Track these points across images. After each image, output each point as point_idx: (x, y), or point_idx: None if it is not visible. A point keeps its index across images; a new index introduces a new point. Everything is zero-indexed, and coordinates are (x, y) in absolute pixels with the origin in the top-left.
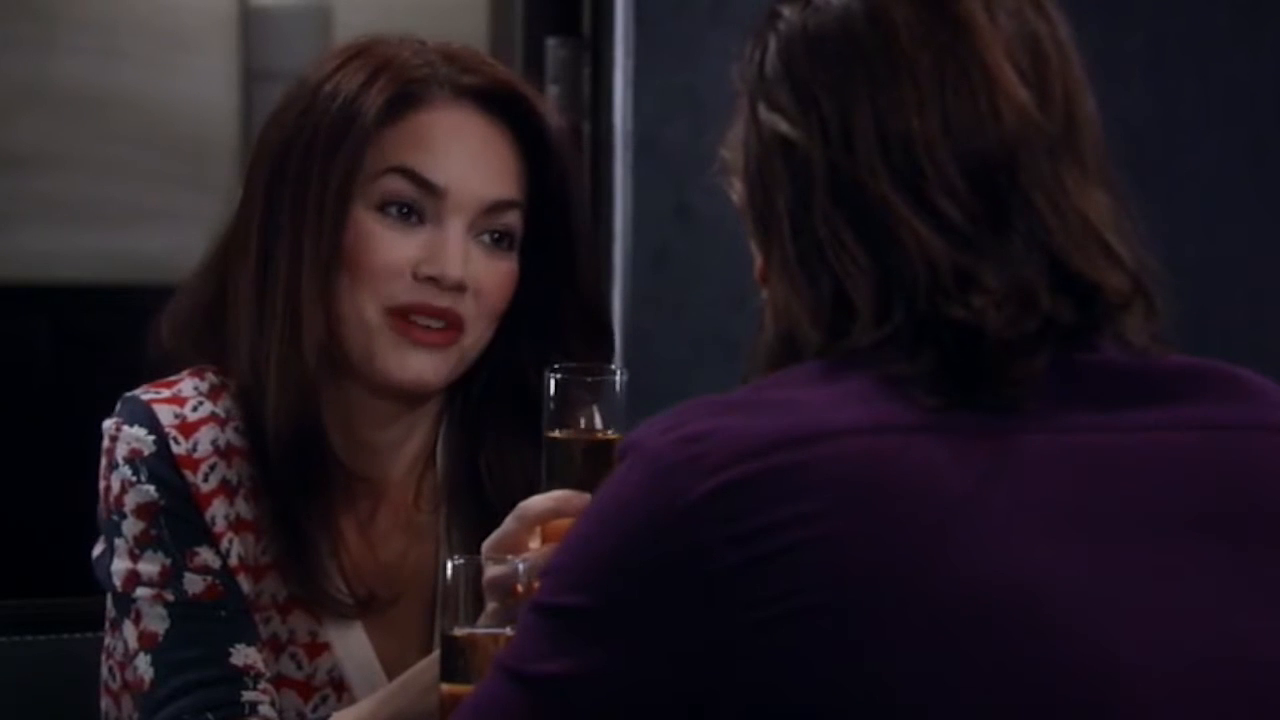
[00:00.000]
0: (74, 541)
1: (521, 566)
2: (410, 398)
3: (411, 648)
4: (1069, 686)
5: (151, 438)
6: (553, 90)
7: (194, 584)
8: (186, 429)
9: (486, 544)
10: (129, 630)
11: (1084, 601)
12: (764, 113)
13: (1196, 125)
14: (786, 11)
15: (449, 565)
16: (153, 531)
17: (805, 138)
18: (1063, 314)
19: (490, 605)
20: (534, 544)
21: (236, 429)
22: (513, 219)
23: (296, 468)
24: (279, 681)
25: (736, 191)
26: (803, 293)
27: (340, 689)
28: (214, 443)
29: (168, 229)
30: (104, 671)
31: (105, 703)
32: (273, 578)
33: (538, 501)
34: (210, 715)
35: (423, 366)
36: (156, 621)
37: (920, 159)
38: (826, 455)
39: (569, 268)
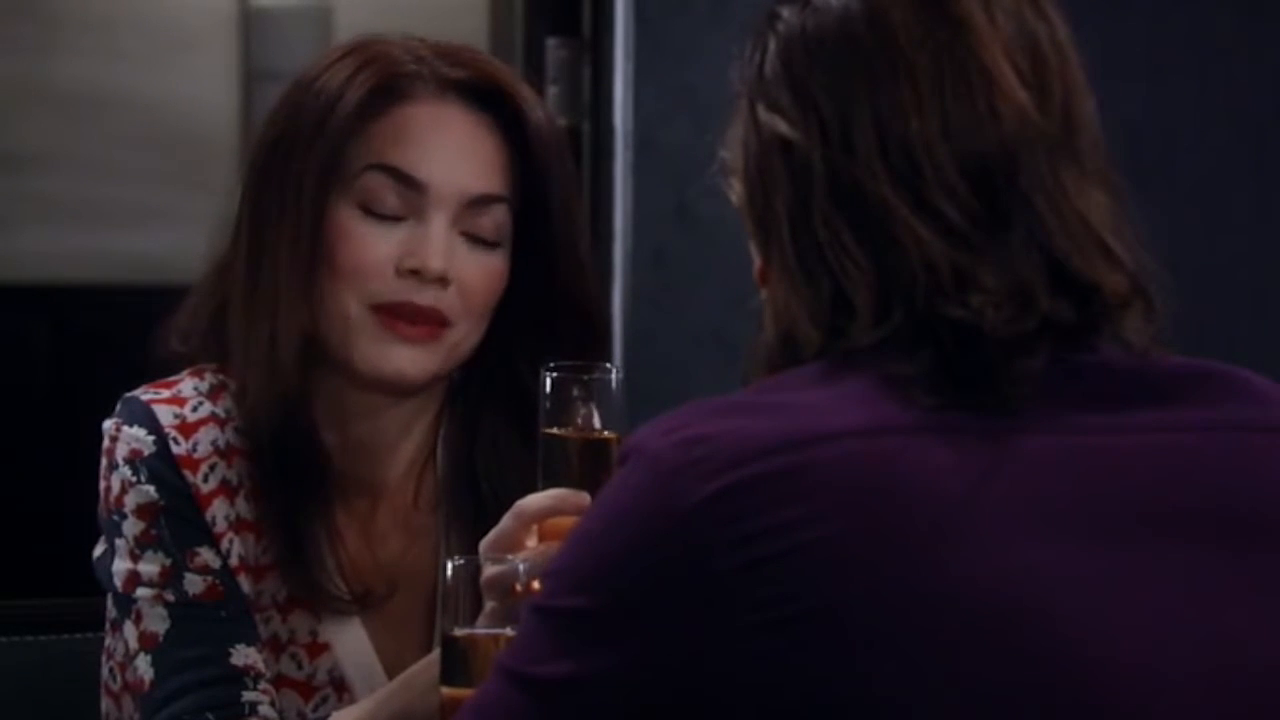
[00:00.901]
0: (74, 541)
1: (522, 567)
2: (397, 393)
3: (411, 647)
4: (1068, 686)
5: (151, 438)
6: (552, 90)
7: (194, 584)
8: (186, 429)
9: (484, 542)
10: (129, 630)
11: (1083, 602)
12: (763, 113)
13: (1195, 126)
14: (786, 13)
15: (449, 566)
16: (153, 532)
17: (804, 138)
18: (1061, 314)
19: (489, 604)
20: (531, 542)
21: (236, 429)
22: (498, 214)
23: (288, 467)
24: (279, 681)
25: (736, 192)
26: (802, 293)
27: (341, 689)
28: (214, 443)
29: (168, 229)
30: (104, 672)
31: (106, 704)
32: (273, 578)
33: (535, 500)
34: (210, 715)
35: (404, 360)
36: (157, 622)
37: (919, 160)
38: (826, 458)
39: (562, 267)
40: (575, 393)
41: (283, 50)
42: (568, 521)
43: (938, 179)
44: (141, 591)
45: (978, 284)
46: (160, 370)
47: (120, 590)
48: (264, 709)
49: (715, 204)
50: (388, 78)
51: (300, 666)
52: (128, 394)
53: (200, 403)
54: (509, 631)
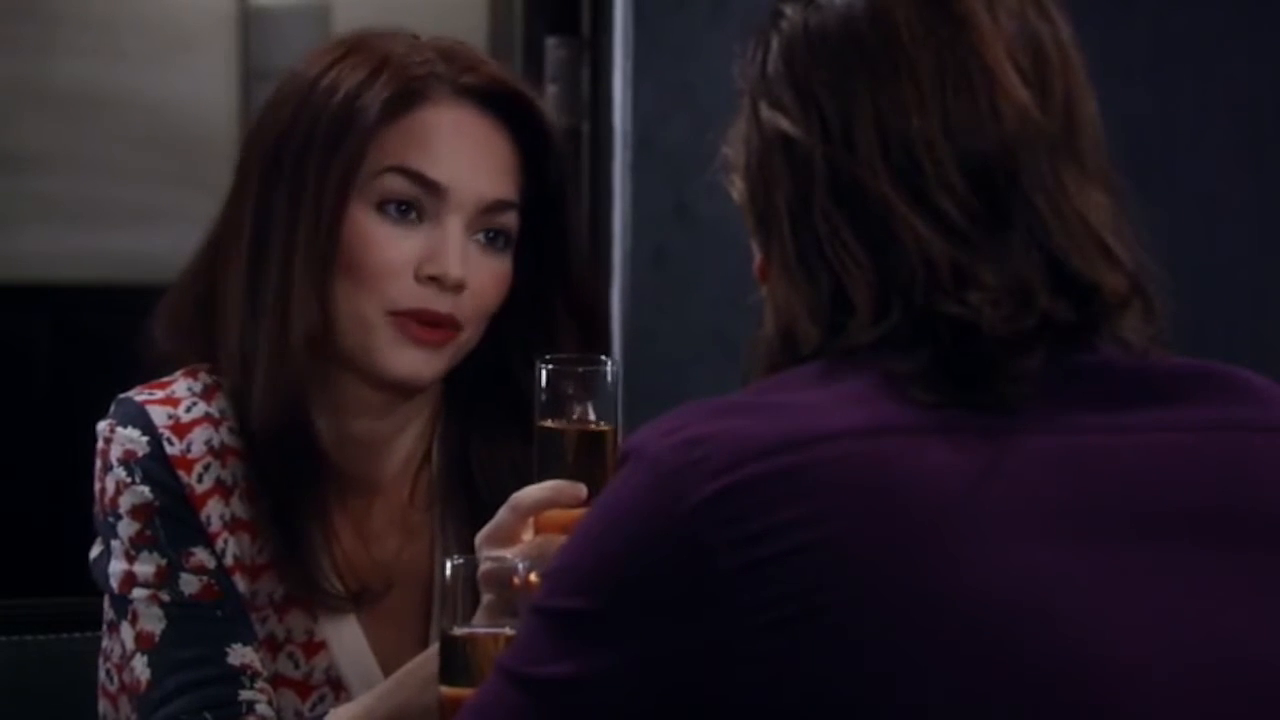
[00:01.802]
0: (74, 541)
1: (521, 564)
2: (404, 393)
3: (408, 645)
4: (1068, 687)
5: (145, 439)
6: (552, 90)
7: (190, 584)
8: (180, 430)
9: (480, 535)
10: (126, 631)
11: (1083, 602)
12: (765, 111)
13: (1196, 126)
14: (789, 10)
15: (448, 565)
16: (148, 532)
17: (806, 136)
18: (1060, 313)
19: (486, 598)
20: (527, 535)
21: (230, 429)
22: (509, 219)
23: (285, 464)
24: (276, 681)
25: (737, 189)
26: (802, 290)
27: (337, 688)
28: (208, 443)
29: (168, 228)
30: (101, 674)
31: (103, 705)
32: (269, 577)
33: (531, 492)
34: (208, 715)
35: (419, 363)
36: (153, 622)
37: (920, 158)
38: (826, 458)
39: (563, 267)
40: (570, 385)
41: (282, 49)
42: (564, 514)
43: (938, 177)
44: (137, 592)
45: (977, 282)
46: (151, 370)
47: (116, 591)
48: (261, 708)
49: (715, 203)
50: (407, 81)
51: (297, 666)
52: (121, 395)
53: (194, 403)
54: (509, 631)
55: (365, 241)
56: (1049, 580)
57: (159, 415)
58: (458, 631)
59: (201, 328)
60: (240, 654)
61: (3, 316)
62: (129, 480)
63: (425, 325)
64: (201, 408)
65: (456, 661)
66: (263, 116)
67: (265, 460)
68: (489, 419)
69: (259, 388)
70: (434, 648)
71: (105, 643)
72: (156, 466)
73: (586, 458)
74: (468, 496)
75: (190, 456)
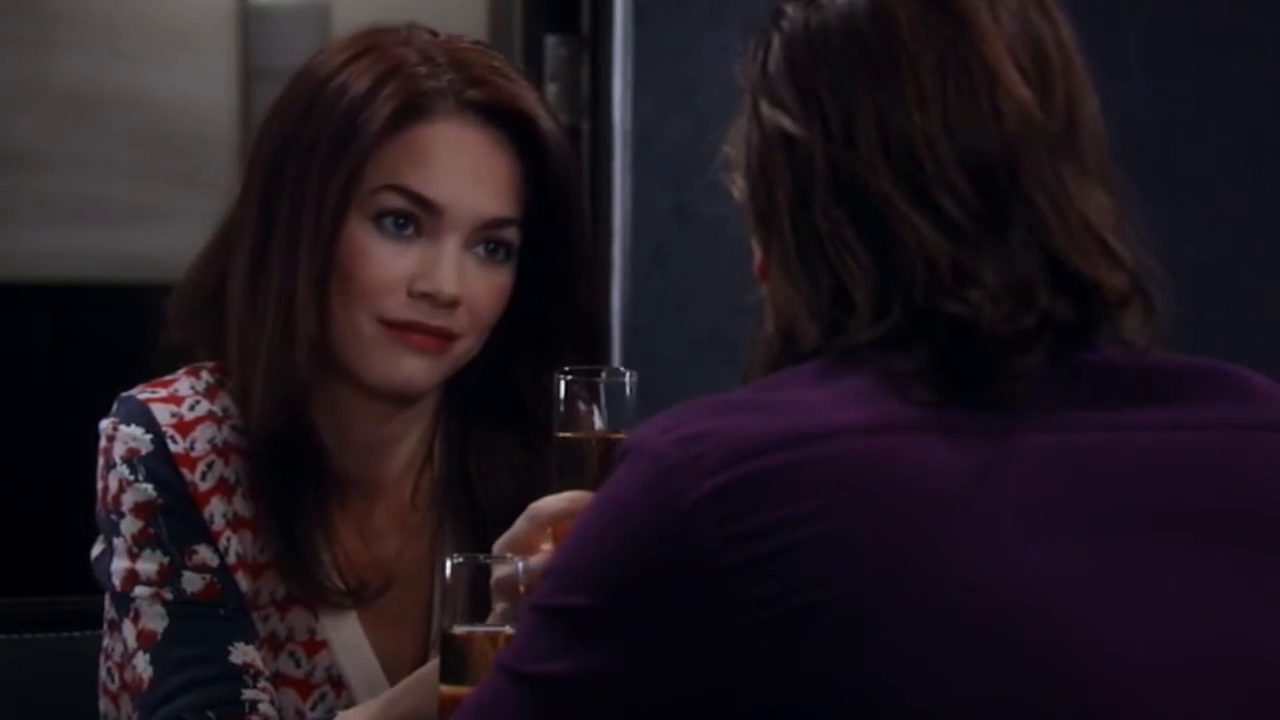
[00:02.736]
0: (75, 539)
1: (520, 565)
2: (402, 400)
3: (409, 644)
4: (1067, 684)
5: (149, 436)
6: (552, 89)
7: (193, 582)
8: (183, 427)
9: (498, 544)
10: (128, 629)
11: (1083, 600)
12: (766, 109)
13: (1195, 125)
14: (790, 9)
15: (448, 564)
16: (151, 530)
17: (807, 134)
18: (1061, 312)
19: (499, 605)
20: (546, 546)
21: (234, 427)
22: (509, 234)
23: (286, 465)
24: (278, 680)
25: (738, 187)
26: (802, 288)
27: (338, 687)
28: (211, 441)
29: (167, 227)
30: (102, 673)
31: (104, 704)
32: (270, 575)
33: (550, 502)
34: (210, 714)
35: (414, 370)
36: (155, 620)
37: (921, 156)
38: (824, 455)
39: (567, 279)
40: (589, 396)
41: (282, 48)
42: None
43: (939, 175)
44: (140, 590)
45: (977, 279)
46: (164, 362)
47: (119, 589)
48: (264, 707)
49: (714, 203)
50: (410, 95)
51: (298, 664)
52: (124, 393)
53: (197, 401)
54: (508, 630)
55: (360, 256)
56: (1048, 578)
57: (162, 413)
58: (457, 631)
59: (211, 320)
60: (243, 652)
61: (1, 315)
62: (132, 478)
63: (420, 333)
64: (205, 406)
65: (456, 660)
66: (271, 114)
67: (266, 461)
68: (489, 424)
69: (259, 390)
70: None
71: (106, 641)
72: (160, 464)
73: (606, 468)
74: (468, 498)
75: (194, 454)
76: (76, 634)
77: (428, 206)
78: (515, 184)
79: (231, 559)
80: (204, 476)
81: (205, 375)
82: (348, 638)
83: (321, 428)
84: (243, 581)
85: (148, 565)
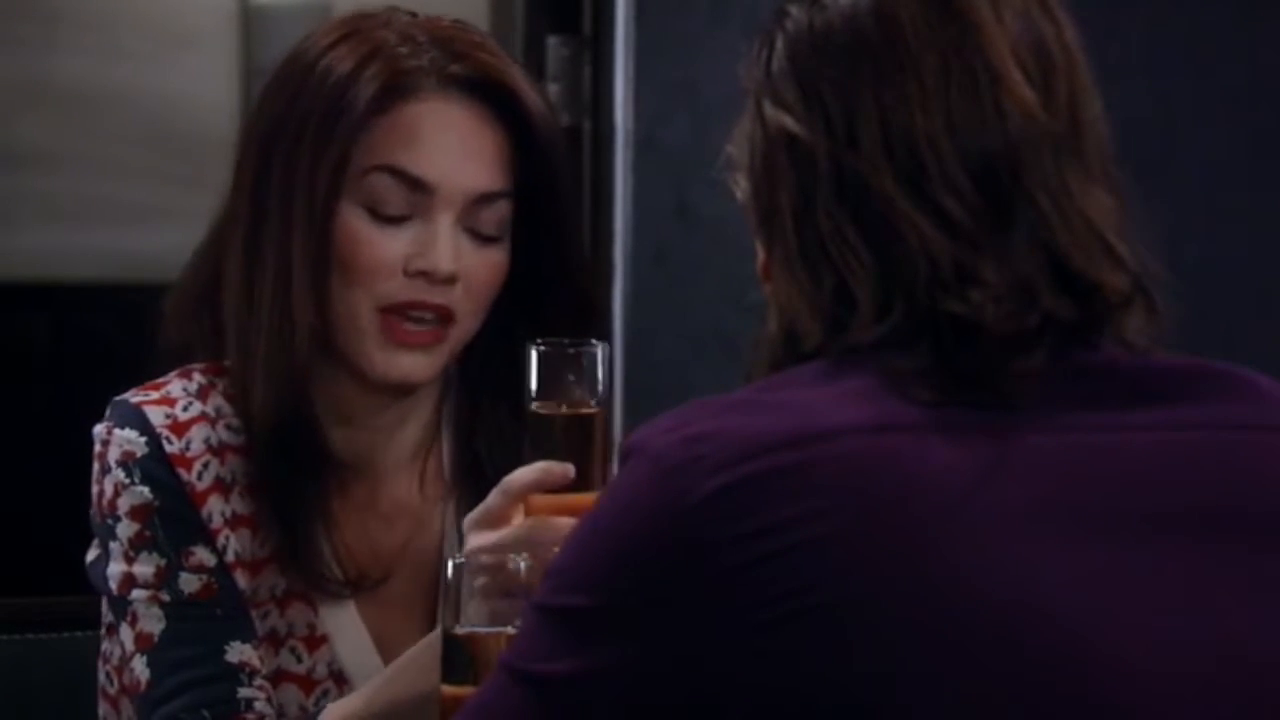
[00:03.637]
0: (74, 540)
1: (523, 564)
2: (402, 393)
3: (412, 637)
4: (1068, 684)
5: (144, 439)
6: (553, 88)
7: (190, 583)
8: (178, 428)
9: (470, 518)
10: (126, 633)
11: (1083, 600)
12: (769, 109)
13: (1195, 124)
14: (794, 10)
15: (449, 563)
16: (147, 533)
17: (810, 134)
18: (1063, 312)
19: (479, 580)
20: (518, 518)
21: (228, 426)
22: (501, 208)
23: (286, 457)
24: (279, 676)
25: (741, 187)
26: (805, 288)
27: (340, 681)
28: (206, 441)
29: (168, 227)
30: (101, 677)
31: (103, 708)
32: (271, 571)
33: (521, 474)
34: (206, 713)
35: (411, 366)
36: (152, 622)
37: (924, 156)
38: (827, 455)
39: (557, 251)
40: (561, 367)
41: (283, 48)
42: (555, 498)
43: (941, 175)
44: (137, 593)
45: (979, 279)
46: (164, 362)
47: (115, 593)
48: (260, 705)
49: (716, 202)
50: (393, 75)
51: (300, 660)
52: (116, 398)
53: (190, 402)
54: (510, 630)
55: (355, 240)
56: (1049, 578)
57: (156, 415)
58: (459, 630)
59: (208, 318)
60: (239, 651)
61: (2, 314)
62: (128, 481)
63: (417, 322)
64: (198, 407)
65: (458, 660)
66: (261, 100)
67: (266, 452)
68: (495, 403)
69: (259, 381)
70: (430, 636)
71: (105, 645)
72: (156, 466)
73: (576, 440)
74: (477, 483)
75: (190, 455)
76: (79, 634)
77: (418, 185)
78: (503, 157)
79: (230, 557)
80: (200, 476)
81: (197, 377)
82: (348, 632)
83: (323, 416)
84: (241, 579)
85: (144, 568)
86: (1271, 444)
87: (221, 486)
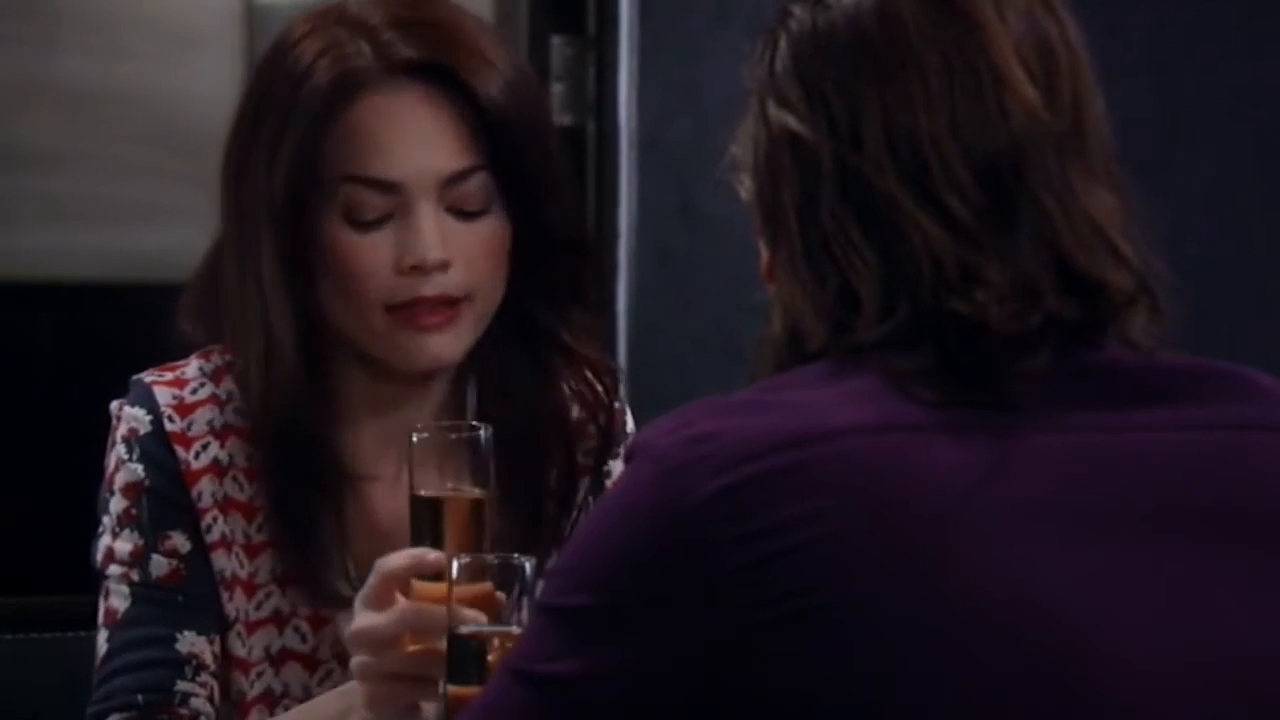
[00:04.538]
0: (76, 538)
1: (528, 565)
2: (432, 377)
3: None
4: (1071, 684)
5: (149, 417)
6: (557, 88)
7: (159, 566)
8: (183, 409)
9: (358, 595)
10: (100, 606)
11: (1086, 600)
12: (773, 109)
13: (1199, 123)
14: (797, 9)
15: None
16: (133, 511)
17: (813, 134)
18: (1067, 312)
19: (354, 660)
20: (400, 600)
21: (236, 409)
22: (479, 181)
23: (290, 469)
24: (284, 655)
25: (745, 187)
26: (809, 288)
27: (344, 661)
28: (209, 423)
29: (172, 227)
30: None
31: None
32: (269, 554)
33: (395, 558)
34: (139, 697)
35: (435, 348)
36: (120, 600)
37: (927, 156)
38: (830, 455)
39: (536, 219)
40: (447, 451)
41: None
42: (434, 587)
43: (945, 175)
44: (113, 569)
45: (983, 279)
46: (179, 352)
47: (98, 565)
48: (196, 702)
49: (719, 202)
50: (337, 75)
51: (304, 640)
52: (134, 377)
53: (202, 384)
54: (515, 630)
55: (342, 249)
56: (1051, 578)
57: (164, 395)
58: (464, 631)
59: (214, 317)
60: (190, 642)
61: (6, 315)
62: (126, 458)
63: (426, 311)
64: (209, 389)
65: (462, 661)
66: (241, 98)
67: (271, 461)
68: (500, 353)
69: (257, 381)
70: (344, 688)
71: None
72: (154, 444)
73: (462, 525)
74: (516, 470)
75: (190, 435)
76: (81, 634)
77: (386, 186)
78: (468, 132)
79: (215, 536)
80: (197, 456)
81: (215, 357)
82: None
83: (339, 415)
84: (233, 561)
85: (124, 545)
86: (1274, 444)
87: (218, 468)
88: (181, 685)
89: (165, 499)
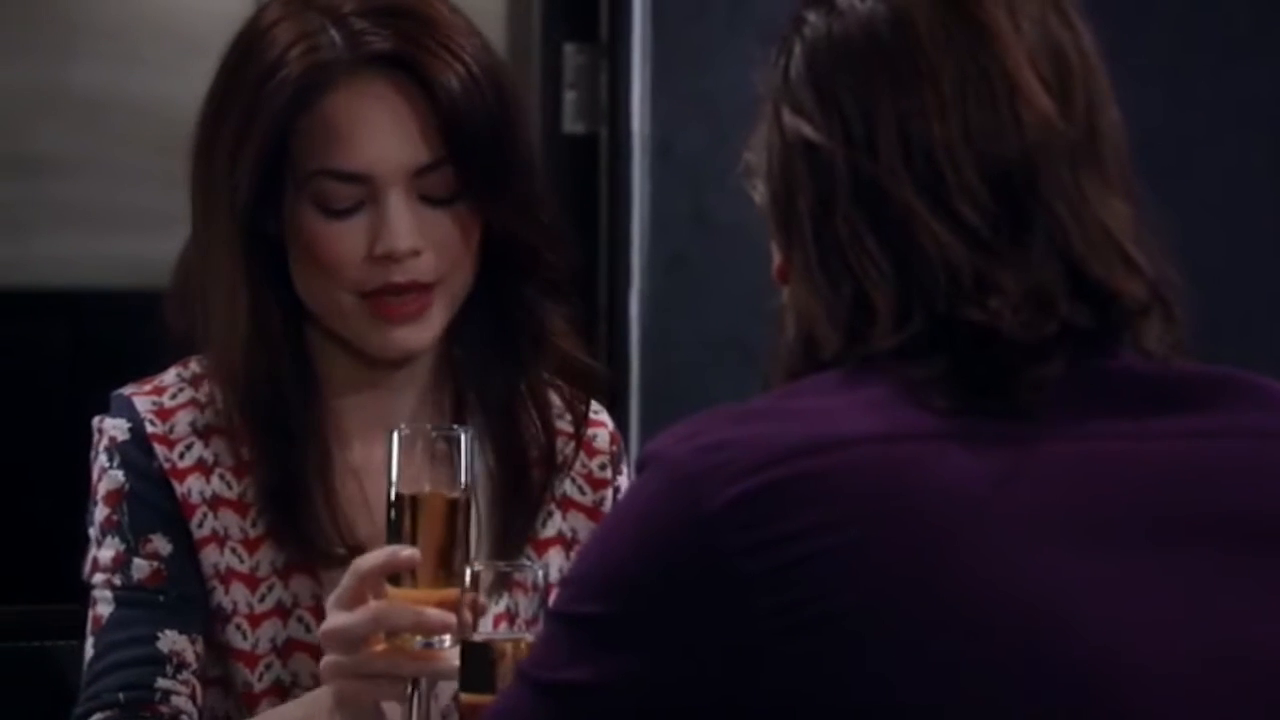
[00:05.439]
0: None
1: (540, 571)
2: (408, 361)
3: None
4: (1086, 692)
5: (128, 425)
6: (570, 96)
7: (141, 569)
8: (163, 414)
9: (331, 596)
10: (89, 616)
11: (1100, 608)
12: (788, 116)
13: (1214, 133)
14: (811, 17)
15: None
16: (115, 517)
17: (828, 141)
18: (1080, 320)
19: (327, 657)
20: (372, 600)
21: (216, 411)
22: (447, 172)
23: (270, 443)
24: (291, 646)
25: (759, 194)
26: (823, 295)
27: None
28: (191, 424)
29: (184, 234)
30: None
31: None
32: (268, 546)
33: (370, 557)
34: (121, 695)
35: (406, 338)
36: (104, 606)
37: (941, 164)
38: (843, 463)
39: (502, 211)
40: (426, 451)
41: None
42: (408, 591)
43: (959, 183)
44: (97, 578)
45: (997, 287)
46: (176, 360)
47: (85, 576)
48: (177, 700)
49: (733, 209)
50: (307, 69)
51: (309, 630)
52: (115, 391)
53: (180, 389)
54: (528, 636)
55: (314, 238)
56: (1066, 586)
57: (144, 404)
58: (477, 637)
59: (191, 310)
60: (171, 640)
61: (19, 322)
62: (108, 466)
63: (398, 296)
64: (188, 394)
65: (476, 668)
66: (212, 81)
67: (253, 437)
68: (488, 367)
69: (225, 373)
70: (309, 696)
71: None
72: (134, 449)
73: (438, 524)
74: (491, 433)
75: (173, 437)
76: (73, 643)
77: (354, 179)
78: (435, 124)
79: (206, 531)
80: (182, 456)
81: (193, 365)
82: None
83: (323, 386)
84: (222, 555)
85: (106, 553)
86: None
87: (203, 468)
88: (162, 683)
89: (146, 502)
